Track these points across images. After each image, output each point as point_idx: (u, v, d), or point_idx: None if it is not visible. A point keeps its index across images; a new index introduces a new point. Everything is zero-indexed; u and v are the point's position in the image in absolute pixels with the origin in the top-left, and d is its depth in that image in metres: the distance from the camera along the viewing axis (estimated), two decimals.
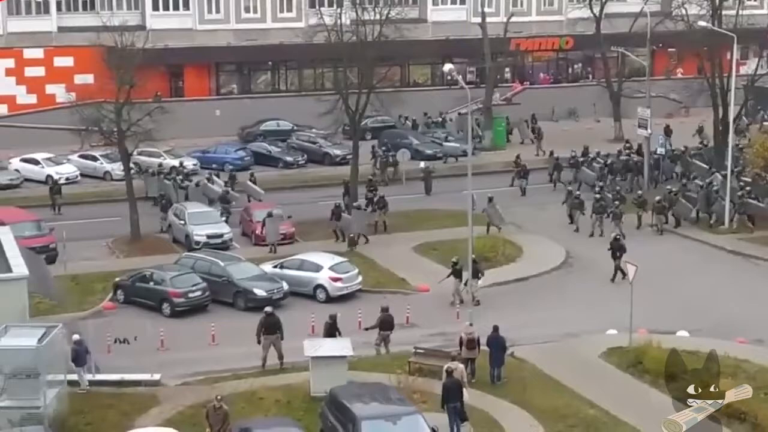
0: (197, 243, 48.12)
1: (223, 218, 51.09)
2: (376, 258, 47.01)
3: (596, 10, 72.49)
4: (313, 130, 68.20)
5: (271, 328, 34.85)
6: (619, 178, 58.16)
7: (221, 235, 48.93)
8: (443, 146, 67.11)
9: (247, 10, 76.77)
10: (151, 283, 41.59)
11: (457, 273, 41.31)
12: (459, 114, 71.87)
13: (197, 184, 56.32)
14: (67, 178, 60.46)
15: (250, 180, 57.74)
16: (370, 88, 53.32)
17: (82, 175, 62.20)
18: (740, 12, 58.96)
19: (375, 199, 52.64)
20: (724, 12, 58.98)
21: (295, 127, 70.62)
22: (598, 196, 51.63)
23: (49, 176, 60.08)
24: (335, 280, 42.60)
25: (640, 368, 33.73)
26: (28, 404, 28.45)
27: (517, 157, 61.42)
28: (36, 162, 62.27)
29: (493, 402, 31.65)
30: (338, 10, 54.65)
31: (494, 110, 72.12)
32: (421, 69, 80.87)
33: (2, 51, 70.93)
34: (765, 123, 68.83)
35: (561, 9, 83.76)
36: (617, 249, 44.36)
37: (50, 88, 70.03)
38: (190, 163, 62.74)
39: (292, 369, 34.14)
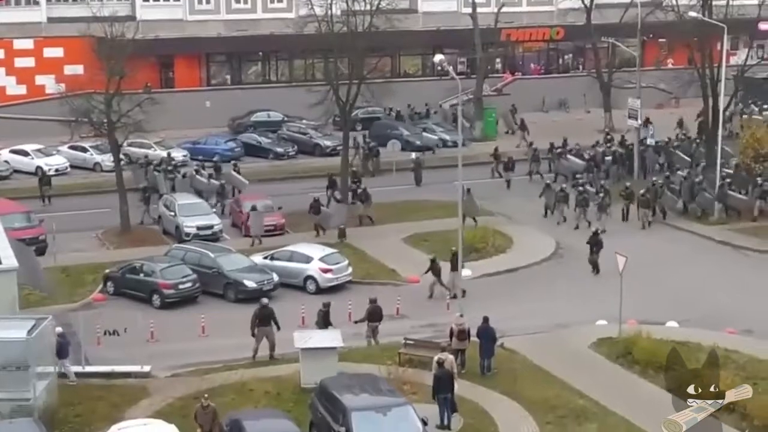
0: (187, 234, 48.08)
1: (214, 210, 51.03)
2: (366, 249, 47.02)
3: (587, 0, 72.50)
4: (304, 121, 68.22)
5: (265, 320, 34.86)
6: (601, 170, 58.21)
7: (211, 227, 48.92)
8: (421, 137, 66.84)
9: (237, 0, 76.59)
10: (141, 275, 41.54)
11: (435, 269, 41.24)
12: (441, 105, 72.22)
13: (184, 176, 56.30)
14: (56, 170, 60.36)
15: (234, 170, 57.67)
16: (361, 79, 53.29)
17: (71, 166, 62.13)
18: (730, 2, 58.92)
19: (358, 191, 52.56)
20: (714, 2, 58.94)
21: (286, 118, 70.59)
22: (581, 188, 51.60)
23: (38, 167, 59.92)
24: (325, 271, 42.60)
25: (630, 359, 33.83)
26: (18, 396, 28.40)
27: (496, 149, 61.48)
28: (25, 153, 62.14)
29: (483, 393, 31.71)
30: (329, 1, 54.55)
31: (485, 101, 72.12)
32: (412, 60, 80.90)
33: None
34: (752, 116, 68.81)
35: None
36: (594, 244, 44.19)
37: (40, 79, 69.94)
38: (179, 155, 62.69)
39: (282, 360, 34.17)
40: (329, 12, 54.25)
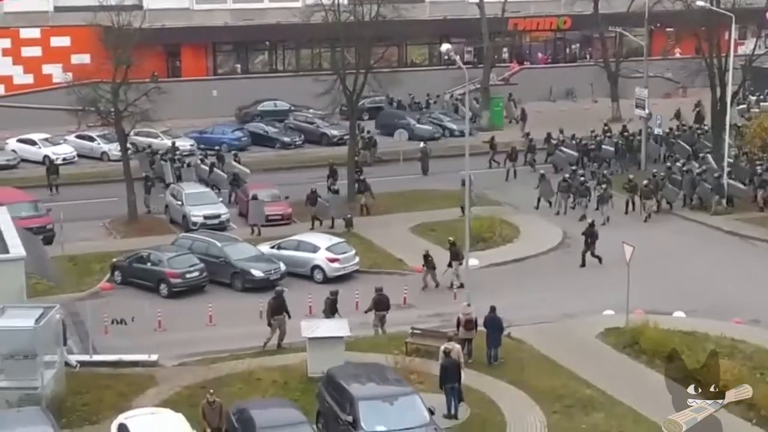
0: (194, 224, 48.12)
1: (221, 199, 51.04)
2: (373, 239, 47.02)
3: None
4: (311, 111, 68.20)
5: (279, 309, 34.93)
6: (596, 161, 58.02)
7: (218, 216, 48.97)
8: (413, 129, 66.68)
9: None
10: (149, 264, 41.58)
11: (429, 263, 41.09)
12: (447, 95, 72.12)
13: (189, 165, 56.34)
14: (64, 159, 60.44)
15: (235, 160, 57.67)
16: (368, 68, 53.24)
17: (79, 155, 62.25)
18: None
19: (357, 182, 52.43)
20: None
21: (293, 108, 70.57)
22: (582, 179, 51.38)
23: (46, 156, 60.06)
24: (332, 260, 42.61)
25: (637, 349, 33.79)
26: (26, 385, 28.46)
27: (492, 139, 61.28)
28: (33, 142, 62.24)
29: (491, 382, 31.72)
30: None
31: (492, 90, 72.04)
32: (419, 49, 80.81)
33: None
34: (749, 107, 68.61)
35: None
36: (590, 236, 44.01)
37: (47, 68, 69.97)
38: (187, 144, 62.71)
39: (290, 350, 34.21)
40: (336, 1, 54.21)
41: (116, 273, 42.28)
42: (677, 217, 51.06)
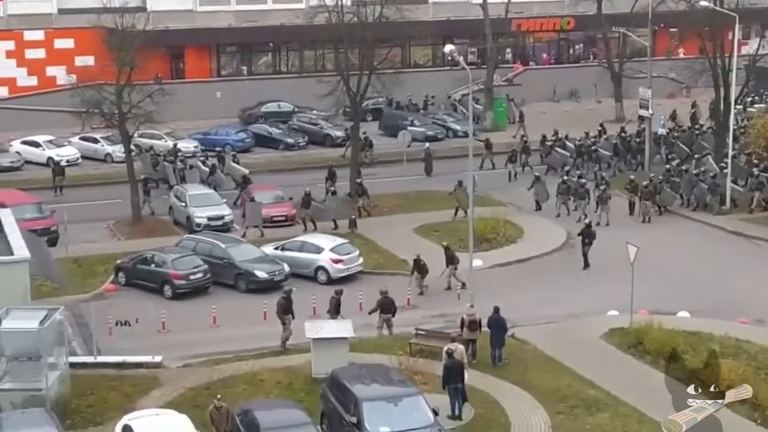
0: (198, 225, 48.14)
1: (225, 201, 50.99)
2: (377, 239, 47.02)
3: None
4: (314, 112, 68.19)
5: (289, 308, 35.07)
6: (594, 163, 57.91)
7: (222, 217, 48.98)
8: (407, 130, 66.60)
9: None
10: (153, 266, 41.60)
11: (421, 268, 40.67)
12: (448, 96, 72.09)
13: (191, 167, 56.38)
14: (68, 161, 60.51)
15: (233, 161, 57.71)
16: (371, 70, 53.22)
17: (83, 157, 62.28)
18: None
19: (356, 184, 52.42)
20: None
21: (296, 109, 70.61)
22: (582, 181, 51.20)
23: (50, 158, 60.13)
24: (336, 261, 42.60)
25: (641, 349, 33.75)
26: (30, 386, 28.50)
27: (487, 140, 61.17)
28: (37, 144, 62.30)
29: (495, 383, 31.71)
30: None
31: (495, 91, 72.04)
32: (422, 50, 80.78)
33: (2, 33, 70.79)
34: (746, 108, 68.45)
35: None
36: (587, 236, 43.91)
37: (51, 70, 70.06)
38: (191, 146, 62.75)
39: (294, 350, 34.22)
40: (339, 2, 54.17)
41: (120, 274, 42.30)
42: (681, 217, 51.03)
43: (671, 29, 75.00)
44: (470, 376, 30.32)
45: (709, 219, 50.32)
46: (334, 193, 51.45)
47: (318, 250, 43.01)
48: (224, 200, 50.91)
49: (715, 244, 47.29)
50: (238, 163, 57.70)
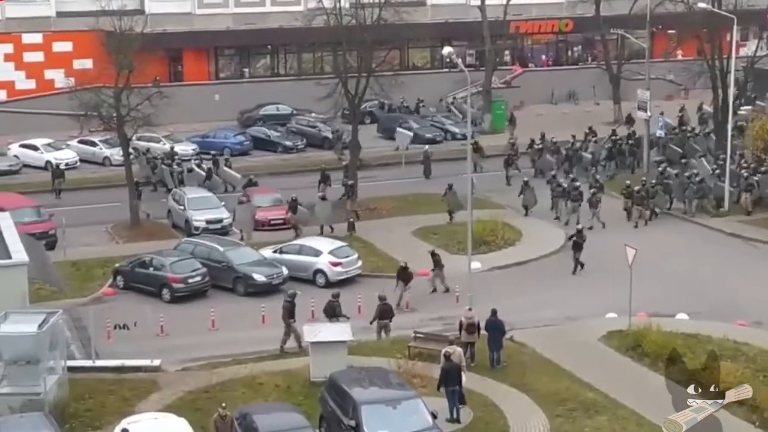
0: (197, 228, 48.13)
1: (223, 204, 50.96)
2: (375, 242, 47.01)
3: None
4: (313, 114, 68.18)
5: (294, 312, 35.20)
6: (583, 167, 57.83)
7: (220, 220, 48.98)
8: (397, 132, 66.35)
9: None
10: (151, 269, 41.60)
11: (406, 277, 40.14)
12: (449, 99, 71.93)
13: (190, 170, 56.35)
14: (66, 164, 60.41)
15: (226, 165, 57.68)
16: (370, 72, 53.24)
17: (81, 160, 62.26)
18: None
19: (346, 186, 52.31)
20: None
21: (295, 112, 70.60)
22: (576, 184, 51.13)
23: (48, 162, 60.11)
24: (335, 264, 42.58)
25: (640, 351, 33.80)
26: (29, 391, 28.52)
27: (476, 143, 60.80)
28: (35, 148, 62.28)
29: (493, 386, 31.72)
30: None
31: (493, 93, 72.06)
32: (421, 52, 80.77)
33: (1, 36, 70.71)
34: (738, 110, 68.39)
35: None
36: (578, 240, 43.80)
37: (49, 74, 70.00)
38: (189, 148, 62.73)
39: (292, 354, 34.22)
40: (338, 5, 54.21)
41: (119, 278, 42.30)
42: (679, 220, 51.02)
43: (669, 31, 75.02)
44: (469, 379, 30.33)
45: (706, 221, 50.33)
46: (323, 198, 51.33)
47: (316, 253, 43.00)
48: (223, 203, 50.91)
49: (713, 246, 47.30)
50: (230, 167, 57.74)
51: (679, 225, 50.37)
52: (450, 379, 29.42)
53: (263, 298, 39.92)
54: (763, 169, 53.10)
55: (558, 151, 59.67)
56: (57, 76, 67.91)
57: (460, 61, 42.90)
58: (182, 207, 49.77)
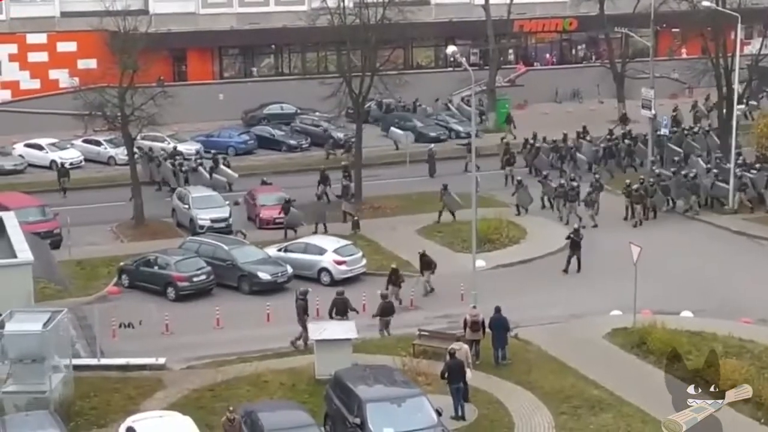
0: (201, 227, 48.16)
1: (227, 203, 50.95)
2: (380, 241, 47.03)
3: None
4: (317, 114, 68.21)
5: (307, 310, 35.37)
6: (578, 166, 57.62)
7: (225, 219, 48.99)
8: (389, 132, 66.22)
9: None
10: (156, 268, 41.64)
11: (396, 280, 40.01)
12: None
13: (194, 169, 56.37)
14: (71, 163, 60.47)
15: (223, 164, 57.71)
16: (374, 71, 53.25)
17: (86, 160, 62.32)
18: None
19: (343, 186, 52.18)
20: None
21: (299, 111, 70.63)
22: (574, 184, 51.10)
23: (53, 161, 60.20)
24: (339, 263, 42.61)
25: (644, 349, 33.76)
26: (34, 389, 28.57)
27: (469, 143, 60.65)
28: (40, 147, 62.37)
29: (498, 383, 31.72)
30: None
31: (497, 92, 72.04)
32: (425, 51, 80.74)
33: (5, 36, 70.75)
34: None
35: None
36: (575, 239, 43.74)
37: (53, 74, 70.08)
38: (193, 147, 62.78)
39: (297, 352, 34.26)
40: (342, 4, 54.26)
41: (123, 277, 42.35)
42: (683, 217, 50.97)
43: (673, 29, 74.91)
44: (473, 377, 30.33)
45: (712, 218, 50.29)
46: (319, 198, 51.32)
47: (321, 251, 43.03)
48: (227, 202, 50.94)
49: (718, 244, 47.25)
50: (228, 166, 57.78)
51: (685, 223, 50.31)
52: (454, 376, 29.43)
53: (268, 296, 39.97)
54: (758, 166, 53.07)
55: (555, 150, 59.64)
56: (61, 76, 67.95)
57: (464, 60, 42.87)
58: (187, 206, 49.80)
